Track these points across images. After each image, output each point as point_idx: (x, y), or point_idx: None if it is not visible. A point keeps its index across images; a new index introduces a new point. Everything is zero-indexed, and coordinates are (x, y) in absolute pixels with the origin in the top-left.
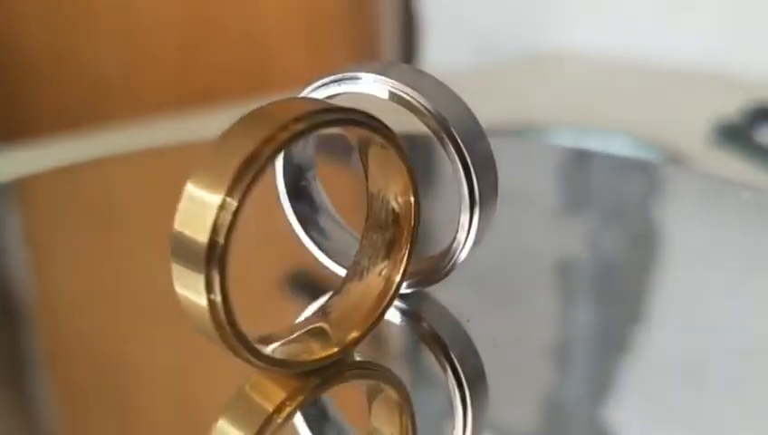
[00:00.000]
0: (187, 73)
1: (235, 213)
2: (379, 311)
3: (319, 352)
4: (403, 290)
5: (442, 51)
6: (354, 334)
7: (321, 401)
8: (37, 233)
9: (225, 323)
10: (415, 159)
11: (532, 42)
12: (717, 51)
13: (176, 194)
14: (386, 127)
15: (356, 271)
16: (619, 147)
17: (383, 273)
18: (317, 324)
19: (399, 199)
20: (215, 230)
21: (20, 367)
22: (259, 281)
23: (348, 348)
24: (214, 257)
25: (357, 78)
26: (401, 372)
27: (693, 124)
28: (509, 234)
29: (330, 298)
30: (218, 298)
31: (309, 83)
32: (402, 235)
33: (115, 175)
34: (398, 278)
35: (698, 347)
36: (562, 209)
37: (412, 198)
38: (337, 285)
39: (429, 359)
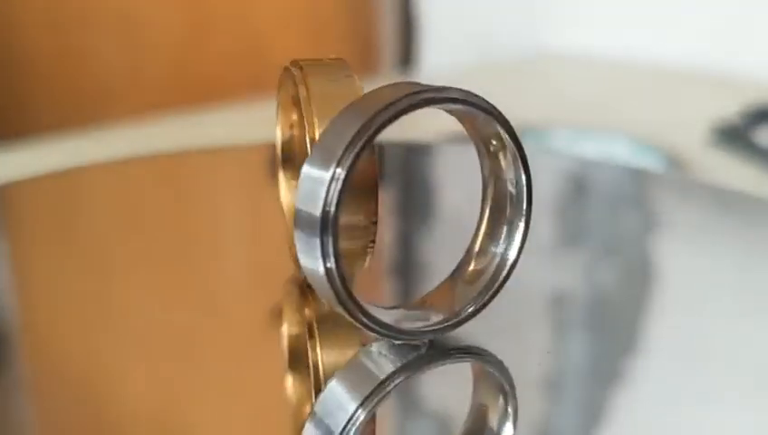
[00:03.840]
0: (186, 73)
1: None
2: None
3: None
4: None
5: (440, 51)
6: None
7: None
8: (21, 244)
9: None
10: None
11: (532, 42)
12: (716, 52)
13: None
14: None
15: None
16: (617, 148)
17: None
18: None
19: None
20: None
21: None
22: None
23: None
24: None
25: None
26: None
27: (692, 125)
28: None
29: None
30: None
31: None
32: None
33: (102, 183)
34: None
35: (695, 378)
36: (559, 235)
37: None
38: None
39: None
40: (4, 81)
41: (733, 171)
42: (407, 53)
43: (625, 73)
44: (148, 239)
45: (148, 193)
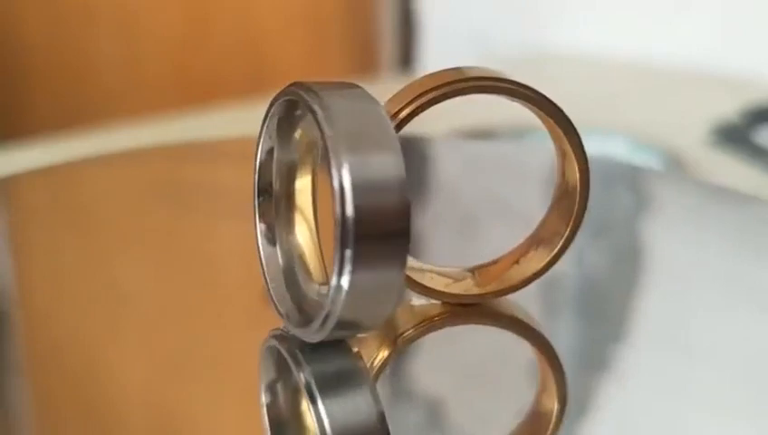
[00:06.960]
0: (185, 73)
1: None
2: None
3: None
4: None
5: (440, 51)
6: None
7: None
8: (19, 234)
9: None
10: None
11: (531, 42)
12: (716, 51)
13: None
14: (543, 98)
15: (534, 240)
16: (617, 148)
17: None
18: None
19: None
20: None
21: None
22: None
23: (492, 295)
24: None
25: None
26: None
27: (691, 125)
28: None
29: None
30: None
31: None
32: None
33: (101, 177)
34: (567, 232)
35: (681, 368)
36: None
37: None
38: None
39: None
40: (5, 81)
41: (733, 171)
42: (407, 53)
43: (625, 73)
44: (145, 228)
45: (146, 184)
